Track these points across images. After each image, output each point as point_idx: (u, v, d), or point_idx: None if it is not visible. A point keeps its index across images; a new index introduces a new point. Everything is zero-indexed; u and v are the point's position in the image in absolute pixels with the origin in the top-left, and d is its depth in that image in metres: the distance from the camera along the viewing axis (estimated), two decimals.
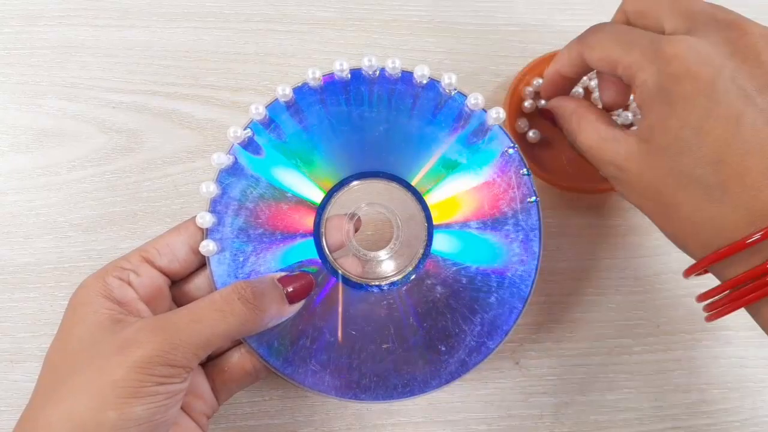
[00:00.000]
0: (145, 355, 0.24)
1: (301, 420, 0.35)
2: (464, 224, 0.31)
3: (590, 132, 0.30)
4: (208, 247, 0.30)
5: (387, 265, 0.32)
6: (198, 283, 0.31)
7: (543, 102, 0.37)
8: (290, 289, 0.29)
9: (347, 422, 0.35)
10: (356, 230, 0.33)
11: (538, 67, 0.39)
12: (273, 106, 0.32)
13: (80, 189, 0.37)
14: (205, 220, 0.30)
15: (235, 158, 0.31)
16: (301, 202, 0.31)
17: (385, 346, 0.30)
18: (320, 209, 0.32)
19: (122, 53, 0.39)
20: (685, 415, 0.36)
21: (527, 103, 0.38)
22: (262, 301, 0.27)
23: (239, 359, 0.31)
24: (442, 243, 0.31)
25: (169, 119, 0.38)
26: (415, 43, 0.40)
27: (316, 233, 0.31)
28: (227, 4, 0.40)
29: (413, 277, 0.31)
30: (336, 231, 0.32)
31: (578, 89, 0.38)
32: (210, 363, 0.31)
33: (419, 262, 0.31)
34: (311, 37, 0.40)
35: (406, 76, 0.32)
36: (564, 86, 0.34)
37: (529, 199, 0.31)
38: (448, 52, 0.40)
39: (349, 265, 0.32)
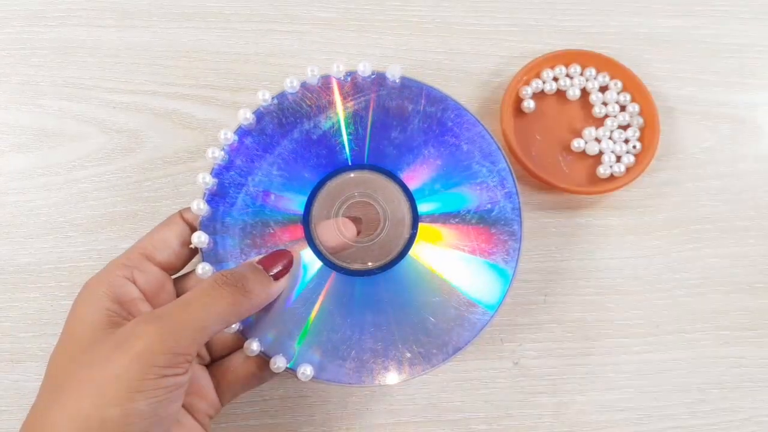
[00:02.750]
0: (144, 346, 0.24)
1: (302, 420, 0.35)
2: (436, 181, 0.32)
3: None
4: (200, 238, 0.30)
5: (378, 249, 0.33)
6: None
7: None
8: (275, 270, 0.29)
9: (347, 422, 0.35)
10: (358, 232, 0.33)
11: (537, 67, 0.39)
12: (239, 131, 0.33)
13: (81, 189, 0.37)
14: (201, 208, 0.30)
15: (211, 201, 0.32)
16: (287, 218, 0.32)
17: (386, 326, 0.31)
18: (307, 207, 0.32)
19: (123, 53, 0.39)
20: (684, 414, 0.36)
21: (526, 104, 0.38)
22: (246, 282, 0.28)
23: (245, 360, 0.31)
24: (424, 207, 0.32)
25: (170, 119, 0.38)
26: (415, 43, 0.40)
27: (308, 235, 0.32)
28: (228, 4, 0.40)
29: (406, 255, 0.32)
30: (330, 232, 0.32)
31: (575, 91, 0.39)
32: (215, 364, 0.31)
33: (408, 241, 0.32)
34: (311, 37, 0.40)
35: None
36: None
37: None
38: (448, 53, 0.40)
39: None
